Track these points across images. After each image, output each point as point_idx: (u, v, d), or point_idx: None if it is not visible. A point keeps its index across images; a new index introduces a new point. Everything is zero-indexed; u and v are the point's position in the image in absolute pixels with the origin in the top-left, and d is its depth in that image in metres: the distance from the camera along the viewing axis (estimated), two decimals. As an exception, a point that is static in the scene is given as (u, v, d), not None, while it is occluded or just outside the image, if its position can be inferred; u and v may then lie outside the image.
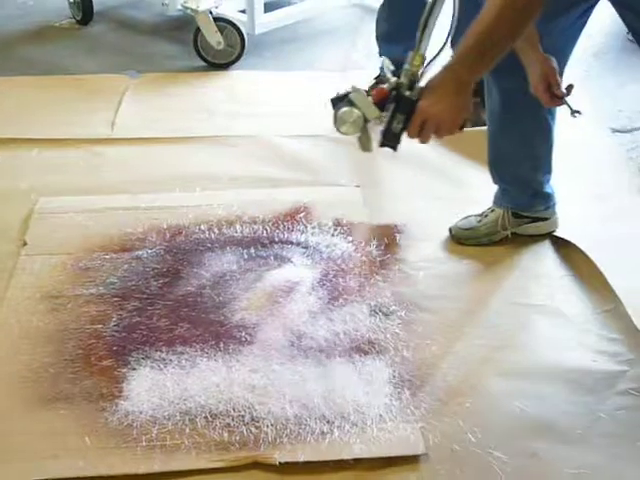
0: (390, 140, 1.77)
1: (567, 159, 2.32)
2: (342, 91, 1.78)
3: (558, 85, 1.98)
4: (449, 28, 1.73)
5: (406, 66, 1.75)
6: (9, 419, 1.80)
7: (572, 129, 2.29)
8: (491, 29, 1.67)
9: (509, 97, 2.18)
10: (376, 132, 1.80)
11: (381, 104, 1.75)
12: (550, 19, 1.95)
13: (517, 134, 2.25)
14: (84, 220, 2.46)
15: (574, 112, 1.99)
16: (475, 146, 2.80)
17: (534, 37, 1.94)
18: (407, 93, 1.74)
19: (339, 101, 1.78)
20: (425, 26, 1.72)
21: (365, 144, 1.82)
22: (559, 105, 2.04)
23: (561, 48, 2.08)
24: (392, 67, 1.79)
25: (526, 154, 2.29)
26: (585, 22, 2.08)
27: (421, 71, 1.75)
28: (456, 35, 1.74)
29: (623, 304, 2.11)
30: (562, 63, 2.07)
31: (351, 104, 1.75)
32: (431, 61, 1.75)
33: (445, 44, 1.75)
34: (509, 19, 1.68)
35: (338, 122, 1.78)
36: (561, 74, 2.04)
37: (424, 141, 1.79)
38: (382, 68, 1.82)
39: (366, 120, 1.76)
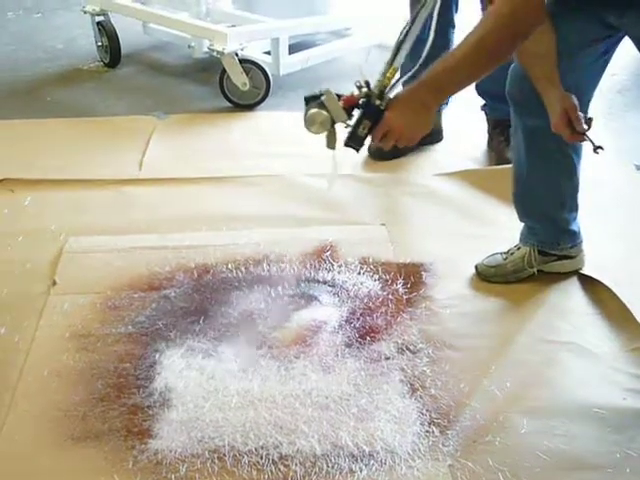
0: (354, 142, 1.90)
1: (591, 196, 2.33)
2: (317, 91, 1.88)
3: (579, 121, 2.00)
4: (425, 48, 1.86)
5: (379, 77, 1.86)
6: (38, 458, 1.81)
7: (596, 166, 2.30)
8: (463, 65, 1.77)
9: (534, 136, 2.20)
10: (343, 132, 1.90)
11: (349, 109, 1.87)
12: (572, 55, 1.98)
13: (542, 172, 2.26)
14: (113, 259, 2.49)
15: (596, 148, 2.00)
16: (500, 184, 2.81)
17: (554, 75, 1.97)
18: (377, 102, 1.84)
19: (312, 100, 1.89)
20: (402, 41, 1.86)
21: (331, 142, 1.94)
22: (581, 141, 2.06)
23: (584, 85, 2.10)
24: (365, 77, 1.88)
25: (551, 192, 2.29)
26: (608, 60, 2.09)
27: (392, 84, 1.86)
28: (428, 57, 1.86)
29: (652, 342, 2.11)
30: (585, 100, 2.10)
31: (322, 106, 1.86)
32: (402, 77, 1.89)
33: (420, 62, 1.85)
34: (489, 48, 1.76)
35: (307, 121, 1.89)
36: (585, 111, 2.06)
37: (385, 147, 1.92)
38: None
39: (333, 122, 1.88)
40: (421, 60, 1.86)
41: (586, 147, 2.11)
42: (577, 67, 2.04)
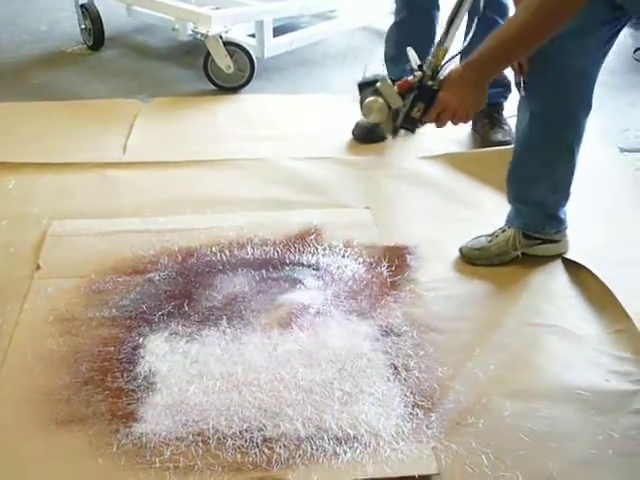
0: (409, 124, 1.94)
1: (575, 179, 2.33)
2: (370, 76, 1.94)
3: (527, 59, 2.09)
4: (471, 28, 1.96)
5: (430, 58, 1.91)
6: (22, 441, 1.80)
7: (580, 149, 2.30)
8: (513, 39, 1.83)
9: (538, 120, 2.22)
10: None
11: (405, 94, 1.91)
12: (582, 38, 2.02)
13: (541, 156, 2.27)
14: (96, 243, 2.48)
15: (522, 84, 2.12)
16: (485, 168, 2.83)
17: None
18: (429, 83, 1.90)
19: (366, 86, 1.94)
20: (451, 23, 1.91)
21: (387, 128, 1.98)
22: (518, 75, 2.15)
23: (590, 69, 2.14)
24: (418, 60, 1.94)
25: (547, 176, 2.30)
26: (611, 46, 2.12)
27: (443, 64, 1.91)
28: (473, 37, 1.94)
29: (635, 324, 2.11)
30: (591, 83, 2.16)
31: (377, 93, 1.91)
32: (453, 57, 1.93)
33: (467, 43, 1.94)
34: (531, 32, 1.82)
35: (365, 110, 1.94)
36: (590, 96, 2.18)
37: (440, 126, 1.99)
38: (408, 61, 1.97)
39: (389, 108, 1.92)
40: (468, 39, 1.94)
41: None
42: (585, 51, 2.07)
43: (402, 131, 2.00)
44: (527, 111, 2.23)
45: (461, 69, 1.91)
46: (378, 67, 3.31)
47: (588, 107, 2.20)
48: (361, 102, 1.94)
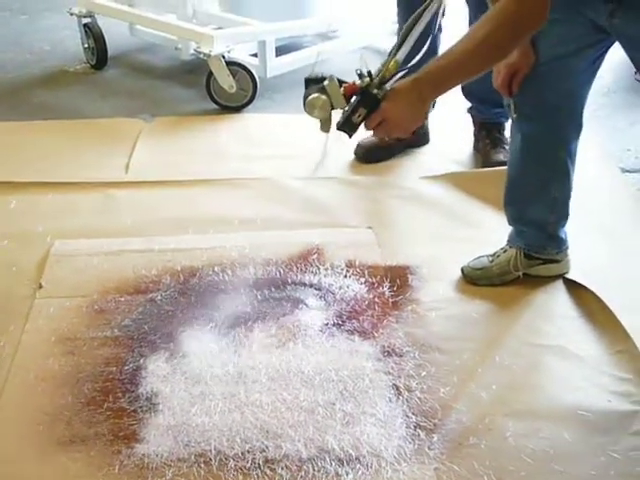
0: (347, 127, 1.91)
1: (576, 199, 2.34)
2: (319, 73, 1.92)
3: (518, 82, 2.10)
4: (427, 43, 1.94)
5: (380, 67, 1.88)
6: (23, 462, 1.80)
7: (581, 169, 2.31)
8: (465, 61, 1.81)
9: (529, 141, 2.23)
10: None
11: (349, 97, 1.89)
12: (568, 60, 2.04)
13: (536, 178, 2.28)
14: (99, 263, 2.48)
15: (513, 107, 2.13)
16: (487, 188, 2.83)
17: None
18: (374, 91, 1.87)
19: (313, 83, 1.92)
20: (407, 35, 1.88)
21: (325, 126, 1.96)
22: (507, 97, 2.16)
23: (578, 91, 2.15)
24: (367, 67, 1.91)
25: (542, 197, 2.31)
26: (598, 67, 2.13)
27: (392, 75, 1.89)
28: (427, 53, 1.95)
29: (635, 344, 2.11)
30: (579, 106, 2.17)
31: (323, 91, 1.89)
32: (403, 69, 1.90)
33: (419, 59, 1.92)
34: (482, 56, 1.82)
35: (308, 106, 1.92)
36: (580, 119, 2.17)
37: (377, 135, 2.02)
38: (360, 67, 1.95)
39: (332, 107, 1.90)
40: (420, 55, 1.92)
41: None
42: (572, 72, 2.08)
43: (336, 132, 1.97)
44: (518, 133, 2.24)
45: (408, 83, 1.88)
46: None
47: (579, 127, 2.21)
48: (305, 98, 1.93)
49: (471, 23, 3.02)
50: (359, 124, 1.90)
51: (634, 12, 1.85)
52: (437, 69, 1.84)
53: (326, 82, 1.89)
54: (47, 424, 1.89)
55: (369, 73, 1.89)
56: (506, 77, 2.11)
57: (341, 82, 1.90)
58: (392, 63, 1.88)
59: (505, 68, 2.09)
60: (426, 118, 1.97)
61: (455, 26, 3.14)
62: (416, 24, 1.90)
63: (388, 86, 1.88)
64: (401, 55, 1.89)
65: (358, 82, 1.89)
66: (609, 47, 2.06)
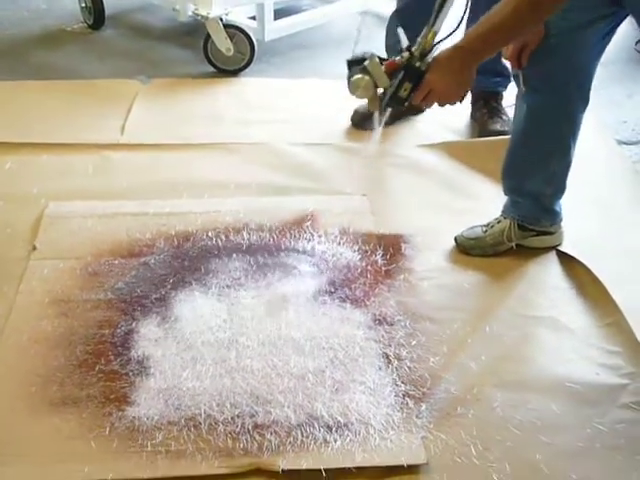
0: (396, 103, 1.97)
1: (572, 170, 2.34)
2: (359, 53, 1.97)
3: (527, 54, 2.11)
4: (463, 11, 1.96)
5: (419, 40, 1.92)
6: (16, 422, 1.82)
7: (578, 140, 2.31)
8: (503, 24, 1.84)
9: (535, 113, 2.23)
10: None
11: (392, 74, 1.94)
12: (582, 31, 2.03)
13: (537, 149, 2.28)
14: (93, 225, 2.48)
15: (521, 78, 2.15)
16: (483, 157, 2.83)
17: None
18: (417, 64, 1.92)
19: (355, 64, 1.98)
20: (442, 5, 1.90)
21: (373, 104, 2.02)
22: (517, 69, 2.17)
23: (590, 62, 2.15)
24: (407, 41, 1.96)
25: (542, 170, 2.31)
26: (609, 40, 2.13)
27: (432, 46, 1.92)
28: (469, 19, 1.98)
29: (625, 317, 2.13)
30: (589, 74, 2.17)
31: (365, 71, 1.94)
32: (443, 39, 1.94)
33: (458, 26, 1.94)
34: (522, 18, 1.83)
35: (351, 86, 1.98)
36: (589, 87, 2.19)
37: (427, 107, 2.03)
38: (398, 41, 2.00)
39: (376, 86, 1.96)
40: (459, 23, 1.94)
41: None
42: (585, 44, 2.08)
43: (388, 109, 2.04)
44: (524, 104, 2.24)
45: (449, 52, 1.91)
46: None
47: (585, 102, 2.21)
48: (348, 79, 1.98)
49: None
50: (406, 98, 1.95)
51: None
52: (476, 36, 1.88)
53: (367, 62, 1.94)
54: (40, 385, 1.91)
55: (408, 47, 1.92)
56: (515, 49, 2.11)
57: (382, 60, 1.95)
58: (430, 34, 1.91)
59: (514, 50, 2.10)
60: (472, 84, 1.97)
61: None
62: None
63: (429, 58, 1.92)
64: (439, 25, 1.91)
65: (398, 58, 1.93)
66: (620, 22, 2.06)
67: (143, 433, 1.79)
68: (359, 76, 1.95)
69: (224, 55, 3.55)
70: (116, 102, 3.28)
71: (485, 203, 2.60)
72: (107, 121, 3.14)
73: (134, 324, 2.09)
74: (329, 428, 1.80)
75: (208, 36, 3.54)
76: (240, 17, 3.67)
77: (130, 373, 1.94)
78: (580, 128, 2.26)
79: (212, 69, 3.61)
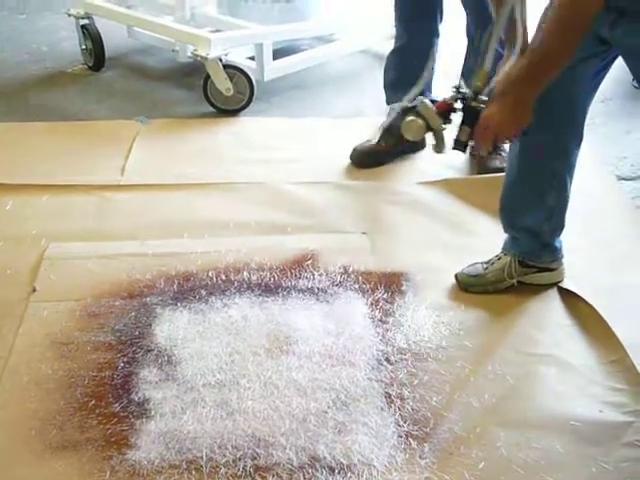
0: (459, 146, 2.02)
1: (572, 206, 2.34)
2: (412, 103, 2.04)
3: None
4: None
5: (472, 81, 1.98)
6: (15, 467, 1.80)
7: (577, 176, 2.31)
8: (544, 49, 1.85)
9: (529, 151, 2.24)
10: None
11: (444, 114, 2.01)
12: (574, 66, 2.01)
13: (533, 187, 2.29)
14: (93, 266, 2.48)
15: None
16: (483, 194, 2.84)
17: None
18: (472, 104, 1.97)
19: (408, 111, 2.04)
20: (487, 44, 1.95)
21: (439, 146, 2.06)
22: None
23: (583, 96, 2.16)
24: (463, 85, 2.02)
25: (538, 206, 2.31)
26: (603, 77, 2.14)
27: (485, 85, 1.97)
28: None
29: (629, 355, 2.12)
30: (582, 109, 2.18)
31: (417, 114, 2.01)
32: (491, 78, 1.98)
33: (503, 64, 2.00)
34: (558, 34, 1.83)
35: (404, 129, 2.04)
36: (582, 122, 2.21)
37: (485, 144, 2.00)
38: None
39: (429, 128, 2.01)
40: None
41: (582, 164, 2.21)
42: (578, 80, 2.09)
43: (448, 149, 2.07)
44: (517, 141, 2.24)
45: (504, 86, 1.93)
46: (376, 92, 3.34)
47: (579, 138, 2.22)
48: (402, 122, 2.03)
49: (469, 28, 3.03)
50: (468, 140, 1.99)
51: (635, 24, 1.85)
52: (523, 68, 1.89)
53: (418, 105, 2.00)
54: (39, 429, 1.89)
55: (457, 88, 1.99)
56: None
57: (433, 101, 2.01)
58: (481, 73, 1.96)
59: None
60: (530, 117, 1.97)
61: (452, 31, 3.16)
62: (494, 29, 1.95)
63: (483, 96, 1.96)
64: (487, 64, 1.95)
65: (448, 97, 2.00)
66: (613, 59, 2.07)
67: (144, 477, 1.77)
68: (411, 118, 2.01)
69: (224, 95, 3.57)
70: (116, 143, 3.30)
71: (485, 240, 2.60)
72: (107, 162, 3.15)
73: (134, 366, 2.07)
74: (331, 470, 1.79)
75: (208, 77, 3.57)
76: (239, 57, 3.70)
77: (130, 416, 1.93)
78: (576, 164, 2.26)
79: (212, 109, 3.63)
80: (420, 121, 2.01)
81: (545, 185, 2.27)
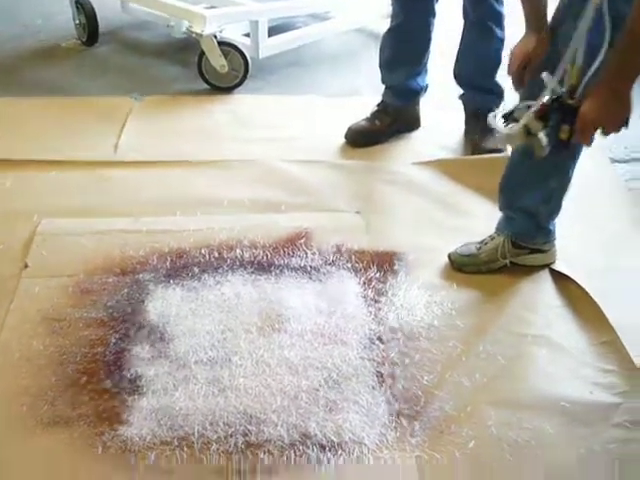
0: (561, 145, 1.97)
1: (567, 189, 2.35)
2: (508, 109, 2.03)
3: (531, 71, 2.09)
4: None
5: (566, 79, 1.94)
6: (7, 443, 1.81)
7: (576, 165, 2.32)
8: (632, 38, 1.79)
9: None
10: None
11: (543, 116, 1.95)
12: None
13: (536, 169, 2.27)
14: (86, 242, 2.47)
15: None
16: (477, 175, 2.84)
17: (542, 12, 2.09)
18: (569, 102, 1.93)
19: (506, 118, 2.02)
20: (579, 38, 1.90)
21: (538, 150, 2.00)
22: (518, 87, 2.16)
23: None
24: (553, 82, 1.96)
25: (539, 188, 2.31)
26: None
27: (579, 82, 1.92)
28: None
29: (619, 336, 2.13)
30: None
31: (515, 120, 1.98)
32: (587, 73, 1.91)
33: (600, 57, 1.89)
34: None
35: (505, 137, 2.02)
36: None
37: (586, 141, 1.96)
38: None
39: (530, 133, 1.97)
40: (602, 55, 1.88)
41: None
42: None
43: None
44: None
45: (599, 81, 1.88)
46: (370, 70, 3.32)
47: None
48: (502, 131, 2.00)
49: (466, 12, 3.01)
50: (568, 139, 1.94)
51: None
52: (616, 60, 1.84)
53: (515, 111, 1.98)
54: (30, 404, 1.90)
55: (552, 90, 1.94)
56: (520, 66, 2.10)
57: (529, 106, 1.96)
58: (575, 70, 1.92)
59: (519, 57, 2.10)
60: (630, 109, 1.90)
61: (449, 16, 3.15)
62: (581, 22, 1.89)
63: (578, 93, 1.92)
64: (579, 59, 1.91)
65: (545, 99, 1.95)
66: None
67: (135, 453, 1.78)
68: (510, 125, 1.99)
69: (218, 72, 3.55)
70: (110, 119, 3.28)
71: (479, 220, 2.61)
72: (101, 138, 3.14)
73: (126, 343, 2.08)
74: (322, 447, 1.80)
75: (202, 53, 3.54)
76: (234, 34, 3.67)
77: (122, 392, 1.93)
78: (581, 150, 2.25)
79: (206, 86, 3.61)
80: (522, 128, 1.96)
81: (549, 168, 2.26)
